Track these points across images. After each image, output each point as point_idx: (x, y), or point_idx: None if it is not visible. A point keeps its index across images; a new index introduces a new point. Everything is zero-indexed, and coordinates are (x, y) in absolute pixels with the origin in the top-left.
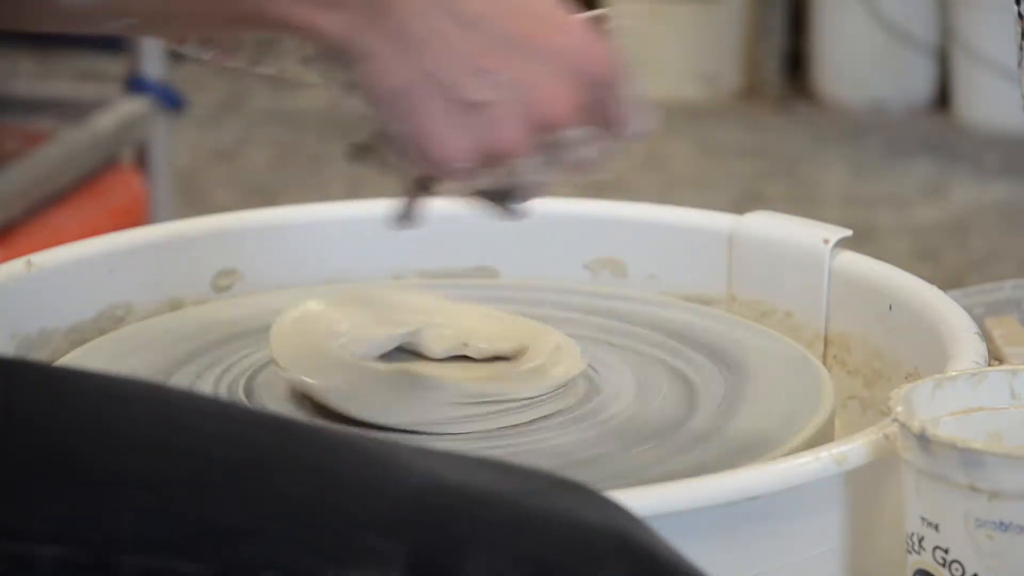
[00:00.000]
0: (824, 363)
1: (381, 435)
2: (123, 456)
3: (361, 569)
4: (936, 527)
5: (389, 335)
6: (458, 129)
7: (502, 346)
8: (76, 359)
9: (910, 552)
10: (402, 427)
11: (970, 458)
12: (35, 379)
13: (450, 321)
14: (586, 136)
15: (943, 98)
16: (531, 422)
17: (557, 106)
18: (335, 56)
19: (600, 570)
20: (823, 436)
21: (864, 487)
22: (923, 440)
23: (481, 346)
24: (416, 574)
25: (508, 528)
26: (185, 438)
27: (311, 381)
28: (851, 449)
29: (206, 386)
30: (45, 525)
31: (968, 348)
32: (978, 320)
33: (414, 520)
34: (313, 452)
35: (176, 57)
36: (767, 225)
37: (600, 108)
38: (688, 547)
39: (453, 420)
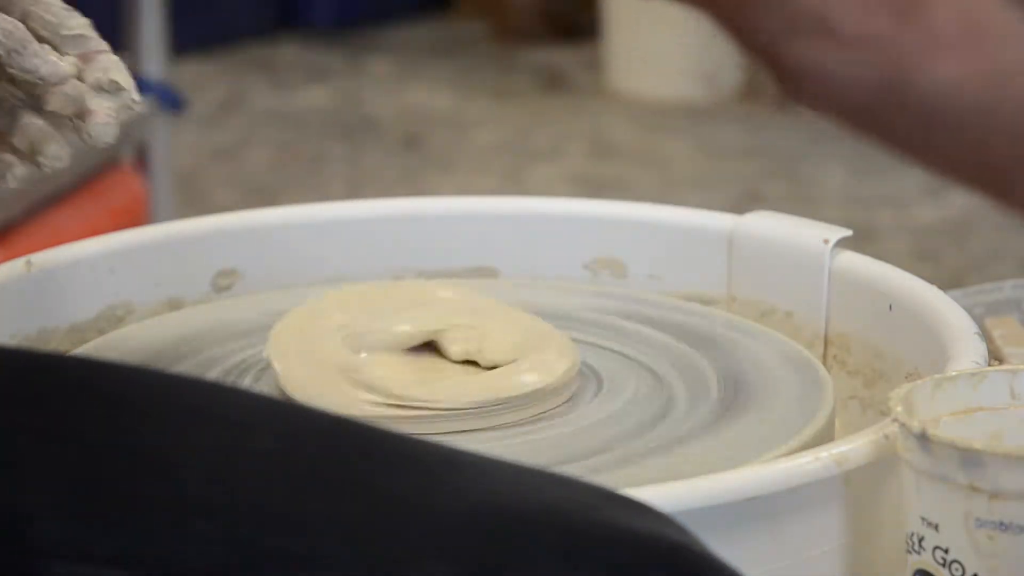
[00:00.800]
0: (824, 363)
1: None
2: (185, 484)
3: None
4: (936, 527)
5: (410, 333)
6: None
7: (509, 357)
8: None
9: (910, 552)
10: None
11: (970, 458)
12: (100, 391)
13: (475, 322)
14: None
15: None
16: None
17: None
18: None
19: None
20: (823, 436)
21: (864, 487)
22: (923, 440)
23: (491, 356)
24: None
25: (564, 548)
26: (247, 462)
27: (278, 368)
28: (851, 449)
29: None
30: (111, 549)
31: (968, 348)
32: (978, 320)
33: (471, 543)
34: (371, 468)
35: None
36: (767, 225)
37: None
38: None
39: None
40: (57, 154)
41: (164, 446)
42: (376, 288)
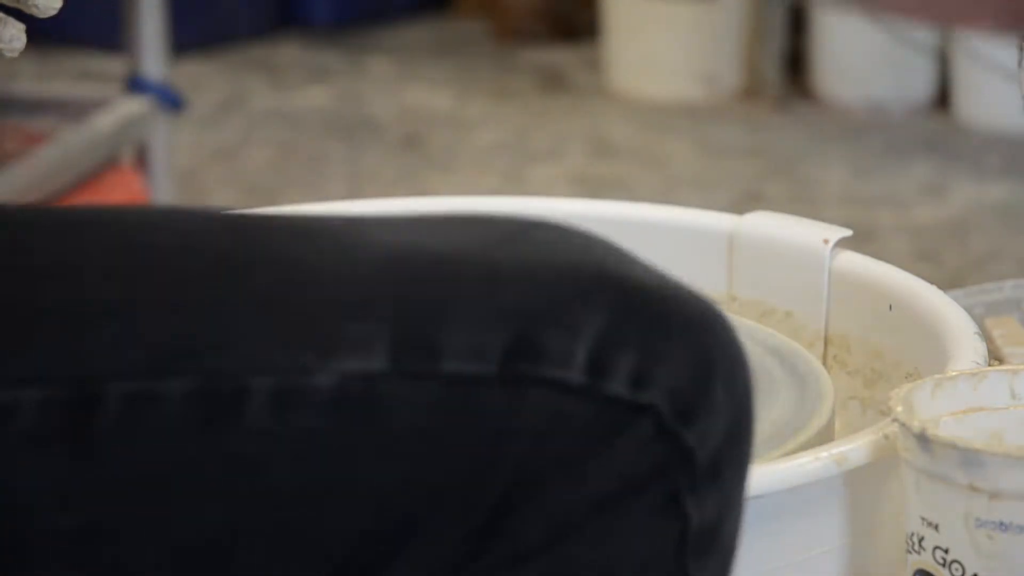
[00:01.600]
0: (824, 363)
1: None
2: (87, 289)
3: (346, 356)
4: (936, 527)
5: None
6: None
7: None
8: None
9: (910, 552)
10: None
11: (970, 458)
12: None
13: None
14: None
15: (943, 98)
16: None
17: None
18: None
19: (581, 312)
20: (823, 436)
21: (864, 487)
22: (923, 440)
23: None
24: (399, 352)
25: (484, 287)
26: (145, 259)
27: None
28: (851, 449)
29: None
30: (22, 370)
31: (968, 348)
32: (978, 320)
33: (390, 298)
34: (276, 245)
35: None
36: (767, 225)
37: None
38: None
39: None
40: None
41: (57, 255)
42: None
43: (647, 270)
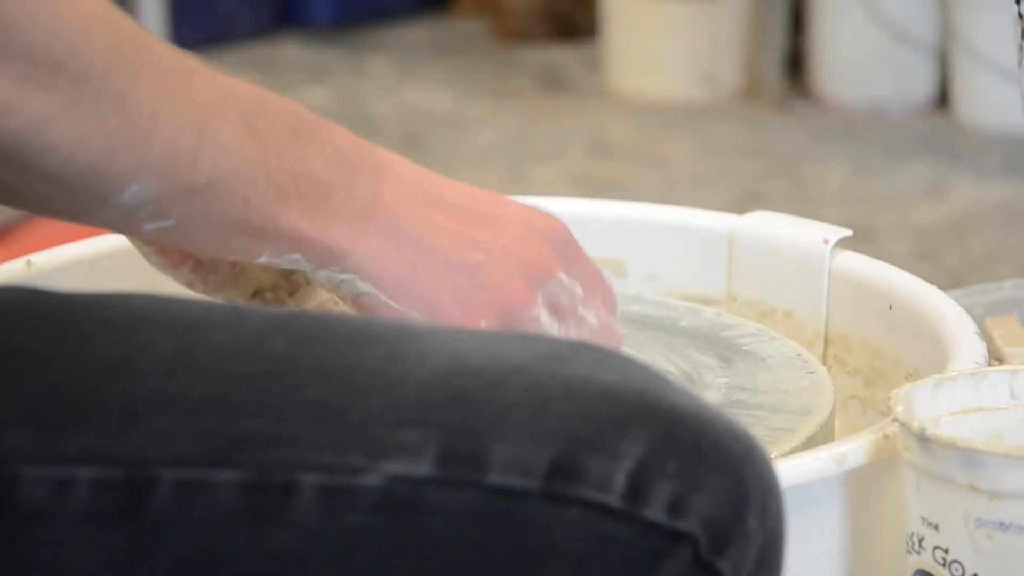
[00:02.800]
0: (824, 363)
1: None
2: (146, 383)
3: (393, 462)
4: (936, 527)
5: None
6: (468, 295)
7: None
8: None
9: (910, 552)
10: None
11: (970, 458)
12: (50, 310)
13: None
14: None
15: (943, 98)
16: None
17: (541, 258)
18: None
19: (622, 439)
20: (823, 436)
21: (864, 487)
22: (923, 440)
23: None
24: (446, 461)
25: (530, 406)
26: (204, 356)
27: None
28: (851, 449)
29: None
30: (79, 449)
31: (968, 348)
32: (978, 320)
33: (439, 408)
34: (331, 351)
35: None
36: (767, 225)
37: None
38: None
39: None
40: None
41: (119, 350)
42: None
43: (687, 398)
